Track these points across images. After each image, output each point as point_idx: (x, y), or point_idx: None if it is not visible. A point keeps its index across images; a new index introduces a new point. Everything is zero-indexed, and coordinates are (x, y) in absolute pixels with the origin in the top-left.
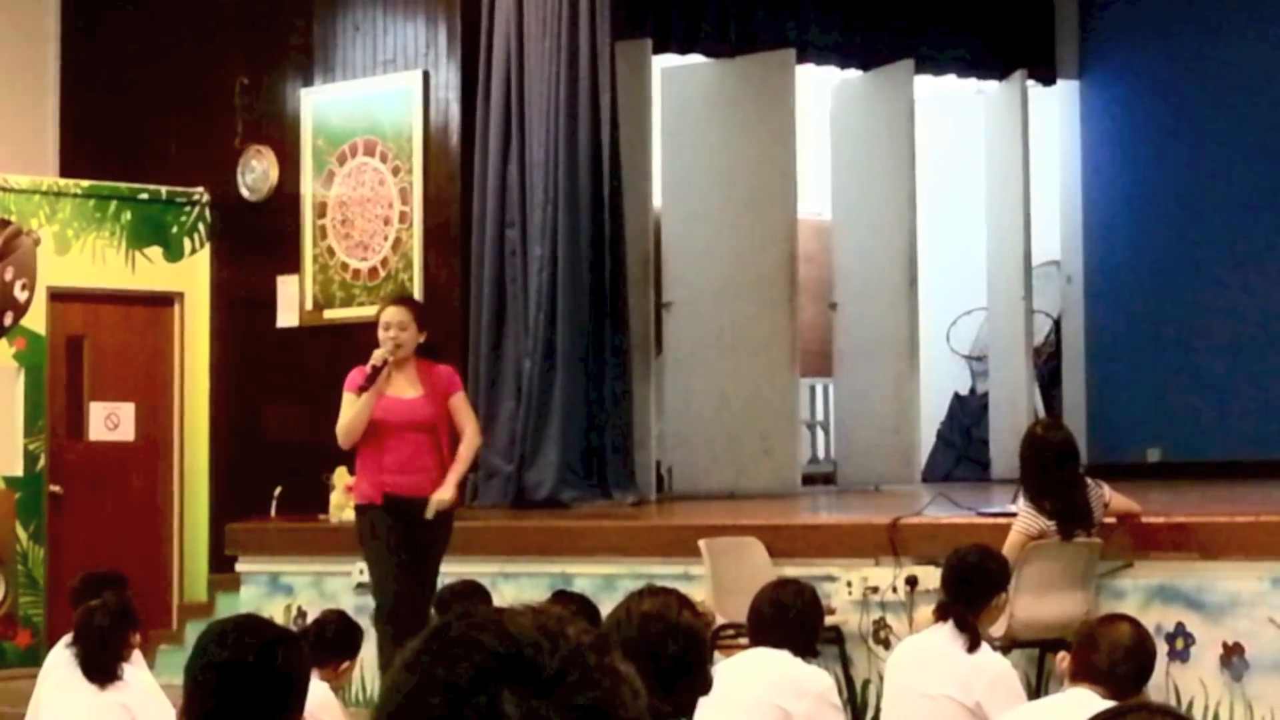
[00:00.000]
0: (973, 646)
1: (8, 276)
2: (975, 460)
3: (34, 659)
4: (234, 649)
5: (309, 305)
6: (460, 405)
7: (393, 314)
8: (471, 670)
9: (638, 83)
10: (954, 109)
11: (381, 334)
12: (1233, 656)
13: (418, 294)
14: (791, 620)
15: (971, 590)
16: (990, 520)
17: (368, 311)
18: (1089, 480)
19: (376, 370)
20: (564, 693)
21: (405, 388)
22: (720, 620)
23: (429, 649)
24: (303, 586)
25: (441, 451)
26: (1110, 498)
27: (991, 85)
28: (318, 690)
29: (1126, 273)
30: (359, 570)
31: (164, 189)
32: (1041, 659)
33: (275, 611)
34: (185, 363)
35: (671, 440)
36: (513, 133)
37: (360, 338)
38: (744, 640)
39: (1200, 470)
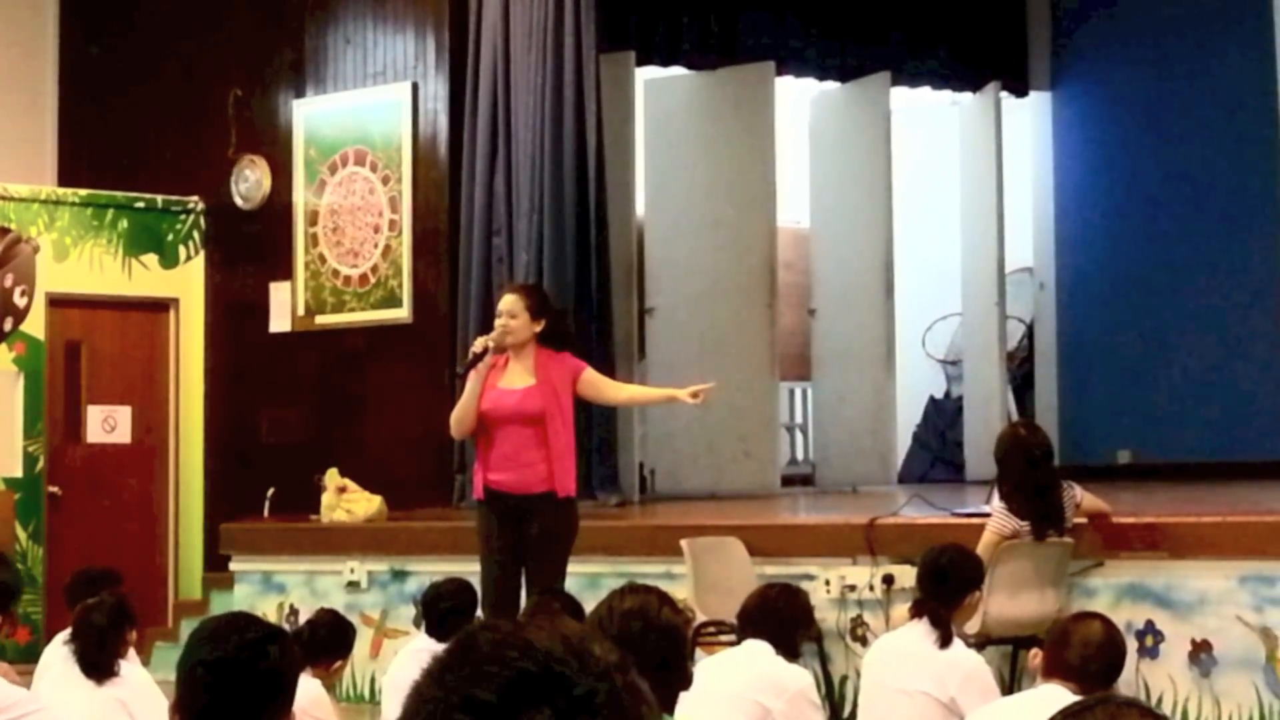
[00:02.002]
0: (944, 643)
1: (7, 283)
2: (950, 462)
3: (33, 656)
4: (225, 646)
5: (301, 311)
6: (594, 378)
7: (504, 301)
8: (500, 687)
9: (621, 94)
10: (929, 120)
11: (496, 321)
12: (1201, 653)
13: (407, 300)
14: (777, 621)
15: (946, 588)
16: (965, 520)
17: (358, 317)
18: (1061, 481)
19: (477, 356)
20: (594, 712)
21: (520, 377)
22: (701, 618)
23: (454, 663)
24: (295, 585)
25: (551, 445)
26: (1082, 498)
27: (966, 97)
28: (310, 687)
29: (1097, 279)
30: (350, 569)
31: (160, 198)
32: (1015, 656)
33: (268, 609)
34: (180, 367)
35: (654, 442)
36: (499, 143)
37: (351, 342)
38: (725, 638)
39: (1169, 471)
